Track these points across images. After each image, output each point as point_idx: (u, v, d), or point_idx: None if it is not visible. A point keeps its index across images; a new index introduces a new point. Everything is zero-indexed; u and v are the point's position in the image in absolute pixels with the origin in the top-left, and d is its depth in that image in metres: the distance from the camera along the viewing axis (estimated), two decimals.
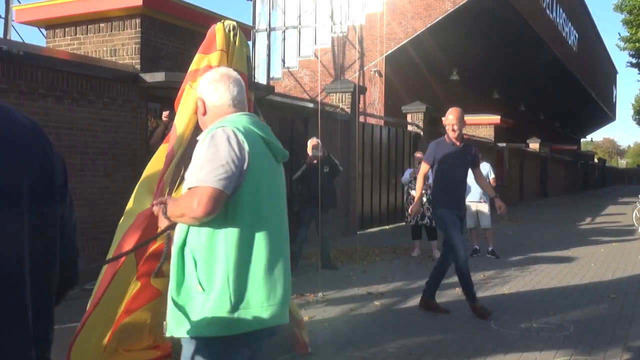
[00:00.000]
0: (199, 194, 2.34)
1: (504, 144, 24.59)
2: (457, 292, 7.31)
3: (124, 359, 4.53)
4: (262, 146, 2.56)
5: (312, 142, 8.83)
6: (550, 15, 31.51)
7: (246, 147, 2.43)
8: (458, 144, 6.21)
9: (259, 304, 2.41)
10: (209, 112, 2.66)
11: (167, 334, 2.52)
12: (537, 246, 11.89)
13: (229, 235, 2.39)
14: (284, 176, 2.77)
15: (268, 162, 2.58)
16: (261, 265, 2.43)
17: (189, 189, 2.41)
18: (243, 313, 2.38)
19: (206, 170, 2.37)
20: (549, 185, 34.31)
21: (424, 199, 10.07)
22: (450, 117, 6.17)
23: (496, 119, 24.09)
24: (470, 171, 10.34)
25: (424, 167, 6.48)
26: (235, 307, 2.37)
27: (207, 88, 2.67)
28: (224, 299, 2.37)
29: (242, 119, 2.57)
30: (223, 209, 2.38)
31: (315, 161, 8.50)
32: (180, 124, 4.49)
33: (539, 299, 7.02)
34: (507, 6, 23.18)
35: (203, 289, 2.38)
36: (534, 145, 31.47)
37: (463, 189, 6.24)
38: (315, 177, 8.51)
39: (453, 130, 6.15)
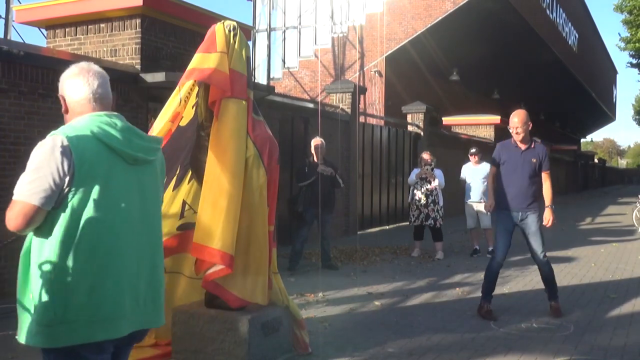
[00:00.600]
0: (14, 208, 2.31)
1: None
2: (458, 292, 7.32)
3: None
4: (105, 153, 2.42)
5: (315, 142, 8.84)
6: (551, 16, 31.50)
7: (74, 158, 2.31)
8: (523, 146, 6.20)
9: (86, 318, 2.32)
10: (70, 109, 2.56)
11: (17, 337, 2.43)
12: None
13: (55, 246, 2.31)
14: (155, 177, 2.68)
15: (116, 168, 2.45)
16: (93, 277, 2.34)
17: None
18: (65, 327, 2.30)
19: (23, 183, 2.31)
20: None
21: (429, 200, 10.09)
22: (514, 120, 6.18)
23: (496, 119, 24.09)
24: (472, 171, 10.49)
25: (492, 169, 6.57)
26: (56, 319, 2.30)
27: (66, 83, 2.57)
28: (47, 311, 2.30)
29: (92, 122, 2.44)
30: (49, 220, 2.31)
31: (321, 170, 8.57)
32: (157, 125, 4.56)
33: (539, 299, 7.02)
34: (507, 6, 23.18)
35: (33, 297, 2.33)
36: None
37: (527, 192, 6.17)
38: (319, 184, 8.56)
39: (517, 133, 6.16)
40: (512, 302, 6.86)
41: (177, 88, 4.67)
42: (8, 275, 6.44)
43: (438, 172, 10.26)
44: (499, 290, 7.50)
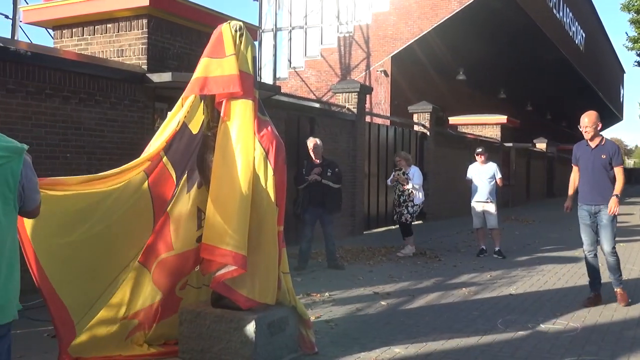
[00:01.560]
0: None
1: (510, 144, 24.53)
2: (465, 292, 7.31)
3: (135, 351, 4.58)
4: None
5: (311, 142, 8.82)
6: (557, 15, 31.40)
7: None
8: (593, 144, 6.70)
9: None
10: None
11: None
12: (544, 246, 11.86)
13: None
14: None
15: None
16: None
17: None
18: None
19: None
20: (555, 185, 34.19)
21: (401, 200, 10.14)
22: (584, 120, 6.68)
23: (503, 118, 24.03)
24: (478, 171, 10.47)
25: (574, 169, 7.15)
26: None
27: None
28: None
29: None
30: None
31: (311, 180, 8.56)
32: (153, 143, 4.57)
33: (546, 300, 7.01)
34: (513, 6, 23.12)
35: None
36: (540, 145, 31.37)
37: (599, 187, 6.63)
38: (316, 185, 8.56)
39: (586, 132, 6.68)
40: (518, 303, 6.84)
41: (179, 101, 4.64)
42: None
43: (415, 170, 10.25)
44: (506, 290, 7.49)
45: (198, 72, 4.59)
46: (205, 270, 4.62)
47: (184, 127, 4.61)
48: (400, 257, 9.92)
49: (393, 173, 10.50)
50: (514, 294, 7.32)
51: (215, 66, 4.56)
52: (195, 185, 4.83)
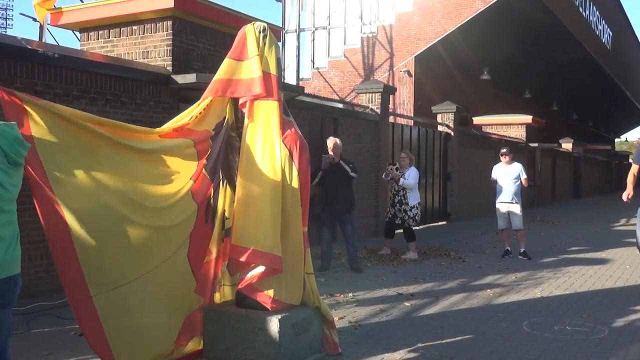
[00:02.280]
0: None
1: (535, 144, 24.30)
2: (489, 294, 7.25)
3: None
4: None
5: (331, 142, 8.80)
6: (584, 13, 30.99)
7: None
8: None
9: None
10: None
11: None
12: (570, 247, 11.72)
13: None
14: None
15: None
16: None
17: None
18: None
19: None
20: (582, 185, 33.78)
21: (395, 199, 10.03)
22: None
23: (528, 118, 23.81)
24: (503, 172, 10.38)
25: (634, 168, 7.52)
26: None
27: None
28: None
29: None
30: None
31: (325, 166, 8.50)
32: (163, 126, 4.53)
33: (572, 301, 6.92)
34: (539, 4, 22.88)
35: None
36: (566, 145, 31.02)
37: None
38: (329, 180, 8.52)
39: None
40: (544, 305, 6.77)
41: (199, 101, 4.64)
42: (44, 274, 6.57)
43: (413, 170, 10.12)
44: (531, 292, 7.42)
45: (220, 74, 4.61)
46: (235, 270, 4.63)
47: (208, 133, 4.62)
48: (411, 259, 9.79)
49: (387, 167, 10.36)
50: (539, 295, 7.24)
51: (238, 68, 4.58)
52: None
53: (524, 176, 10.51)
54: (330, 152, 8.72)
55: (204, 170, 4.52)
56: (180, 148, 4.41)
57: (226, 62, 4.62)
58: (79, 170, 3.80)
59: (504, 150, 10.74)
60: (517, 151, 17.35)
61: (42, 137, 3.61)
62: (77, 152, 3.81)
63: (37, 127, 3.60)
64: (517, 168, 10.53)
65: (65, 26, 9.38)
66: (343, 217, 8.78)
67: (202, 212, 4.53)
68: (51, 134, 3.65)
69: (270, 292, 4.48)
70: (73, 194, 3.73)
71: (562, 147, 30.53)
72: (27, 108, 3.56)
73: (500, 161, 10.70)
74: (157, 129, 4.47)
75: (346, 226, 8.80)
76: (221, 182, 4.83)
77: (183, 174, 4.40)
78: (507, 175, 10.45)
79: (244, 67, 4.57)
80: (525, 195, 11.26)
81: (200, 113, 4.56)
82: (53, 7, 8.98)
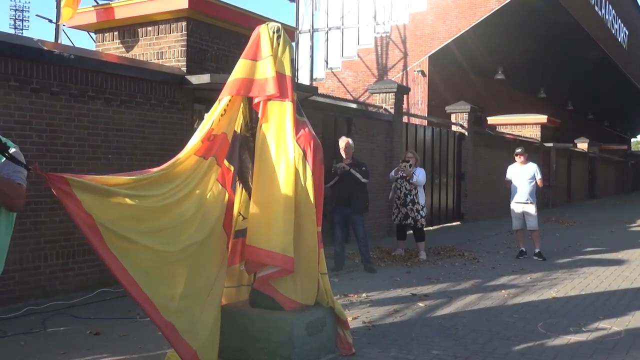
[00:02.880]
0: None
1: (550, 144, 24.12)
2: (504, 295, 7.21)
3: None
4: None
5: (343, 142, 8.79)
6: (599, 12, 30.74)
7: None
8: None
9: None
10: None
11: None
12: (585, 248, 11.63)
13: None
14: None
15: None
16: None
17: None
18: None
19: None
20: (597, 185, 33.50)
21: (407, 199, 9.93)
22: None
23: (543, 118, 23.64)
24: (517, 172, 10.32)
25: None
26: None
27: None
28: None
29: None
30: None
31: (340, 171, 8.51)
32: (190, 142, 4.49)
33: (588, 303, 6.87)
34: (554, 3, 22.71)
35: None
36: (582, 145, 30.77)
37: None
38: (343, 183, 8.53)
39: None
40: (560, 306, 6.72)
41: (217, 102, 4.64)
42: (60, 273, 6.63)
43: (420, 170, 10.06)
44: (546, 293, 7.37)
45: (235, 74, 4.62)
46: (251, 270, 4.65)
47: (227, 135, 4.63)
48: (423, 259, 9.75)
49: (399, 165, 10.21)
50: (555, 297, 7.19)
51: (252, 68, 4.59)
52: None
53: (539, 176, 10.44)
54: (342, 153, 8.73)
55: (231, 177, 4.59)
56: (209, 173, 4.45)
57: (240, 62, 4.64)
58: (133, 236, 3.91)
59: (518, 150, 10.67)
60: (531, 151, 17.24)
61: (99, 215, 3.68)
62: (126, 222, 3.90)
63: (93, 207, 3.65)
64: (532, 168, 10.46)
65: (81, 27, 9.46)
66: (354, 218, 8.76)
67: (228, 217, 4.63)
68: (104, 210, 3.73)
69: (285, 292, 4.50)
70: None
71: (578, 147, 30.29)
72: (76, 194, 3.58)
73: (515, 161, 10.64)
74: (191, 147, 4.45)
75: (358, 227, 8.79)
76: (237, 183, 4.85)
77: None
78: (522, 175, 10.39)
79: (258, 67, 4.58)
80: (540, 195, 11.17)
81: (222, 115, 4.56)
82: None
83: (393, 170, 10.42)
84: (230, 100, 4.60)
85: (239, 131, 4.74)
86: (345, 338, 4.86)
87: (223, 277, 4.53)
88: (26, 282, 6.31)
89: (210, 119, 4.54)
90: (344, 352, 4.82)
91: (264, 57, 4.58)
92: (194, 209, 4.27)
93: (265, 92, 4.54)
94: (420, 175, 9.96)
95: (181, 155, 4.35)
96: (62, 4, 9.06)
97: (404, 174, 9.92)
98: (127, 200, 3.87)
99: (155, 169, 4.19)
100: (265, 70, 4.55)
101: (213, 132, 4.48)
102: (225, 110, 4.56)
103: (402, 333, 5.52)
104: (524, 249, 10.30)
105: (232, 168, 4.58)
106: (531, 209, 10.26)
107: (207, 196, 4.41)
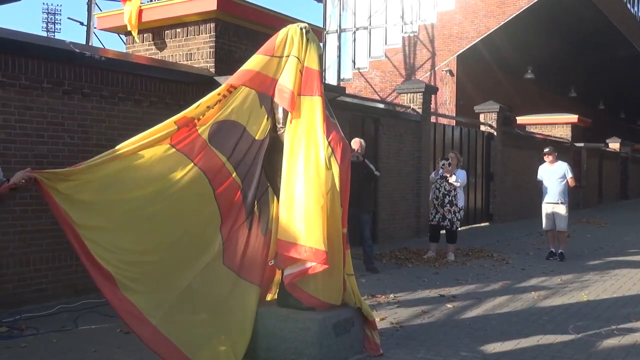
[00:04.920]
0: None
1: (581, 144, 23.77)
2: (534, 296, 7.13)
3: None
4: None
5: (356, 143, 8.72)
6: (632, 10, 30.25)
7: None
8: None
9: None
10: None
11: None
12: (617, 250, 11.43)
13: None
14: None
15: None
16: None
17: None
18: None
19: None
20: (630, 186, 32.90)
21: (445, 200, 9.79)
22: None
23: (573, 118, 23.31)
24: (549, 172, 10.19)
25: None
26: None
27: None
28: None
29: None
30: None
31: (354, 159, 8.43)
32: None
33: (620, 305, 6.75)
34: (585, 1, 22.40)
35: None
36: (613, 145, 30.25)
37: None
38: (352, 180, 8.42)
39: None
40: (591, 308, 6.62)
41: (224, 86, 4.63)
42: (82, 273, 6.71)
43: (460, 172, 9.96)
44: (577, 295, 7.27)
45: (253, 66, 4.61)
46: (282, 265, 4.63)
47: (241, 130, 4.61)
48: (452, 261, 9.66)
49: (439, 163, 10.10)
50: (586, 299, 7.08)
51: (272, 65, 4.61)
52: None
53: (569, 175, 10.29)
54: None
55: (234, 175, 4.57)
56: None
57: (260, 58, 4.64)
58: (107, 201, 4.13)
59: (546, 150, 10.55)
60: (562, 151, 17.03)
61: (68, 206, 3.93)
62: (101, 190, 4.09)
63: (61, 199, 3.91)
64: (562, 167, 10.33)
65: (111, 30, 9.59)
66: (364, 218, 8.71)
67: (226, 214, 4.58)
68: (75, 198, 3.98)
69: (306, 288, 4.49)
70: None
71: (609, 146, 29.77)
72: (50, 193, 3.87)
73: (545, 161, 10.52)
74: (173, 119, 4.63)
75: (364, 226, 8.74)
76: (268, 190, 4.86)
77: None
78: (552, 175, 10.27)
79: (279, 65, 4.61)
80: (570, 196, 11.00)
81: (218, 101, 4.57)
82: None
83: (433, 172, 10.35)
84: (243, 92, 4.58)
85: (258, 137, 4.70)
86: (373, 339, 4.85)
87: (213, 277, 4.50)
88: (58, 280, 6.41)
89: (224, 107, 4.59)
90: (372, 353, 4.81)
91: (285, 54, 4.60)
92: (167, 213, 4.35)
93: (281, 103, 4.59)
94: (460, 176, 9.89)
95: (146, 135, 4.35)
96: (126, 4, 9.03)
97: (443, 174, 9.83)
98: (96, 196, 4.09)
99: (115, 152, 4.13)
100: (285, 78, 4.58)
101: (187, 116, 4.59)
102: (221, 95, 4.58)
103: (431, 334, 5.49)
104: (553, 250, 10.17)
105: (223, 158, 4.53)
106: (562, 209, 10.11)
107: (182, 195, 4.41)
